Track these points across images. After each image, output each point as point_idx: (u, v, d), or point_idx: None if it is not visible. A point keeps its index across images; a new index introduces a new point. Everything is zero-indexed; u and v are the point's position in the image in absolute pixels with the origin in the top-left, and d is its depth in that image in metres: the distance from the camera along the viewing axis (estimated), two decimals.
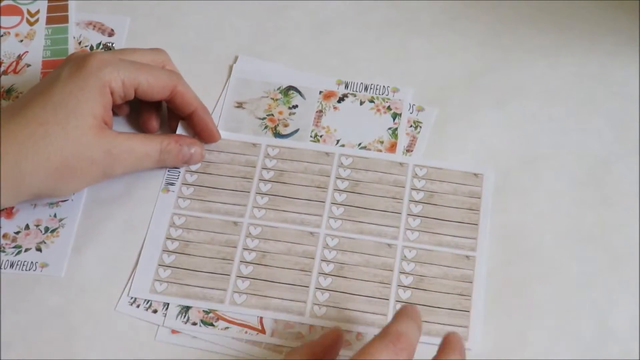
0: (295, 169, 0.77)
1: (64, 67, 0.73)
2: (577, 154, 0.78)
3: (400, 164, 0.77)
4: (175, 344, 0.71)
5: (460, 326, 0.71)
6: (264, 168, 0.78)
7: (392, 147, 0.79)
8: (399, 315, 0.64)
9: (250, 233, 0.75)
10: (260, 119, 0.80)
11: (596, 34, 0.83)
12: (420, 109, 0.80)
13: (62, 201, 0.77)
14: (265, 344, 0.70)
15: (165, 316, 0.72)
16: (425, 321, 0.70)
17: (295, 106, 0.81)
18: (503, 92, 0.81)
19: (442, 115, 0.80)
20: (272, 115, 0.80)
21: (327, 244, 0.74)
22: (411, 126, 0.80)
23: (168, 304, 0.72)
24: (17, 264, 0.74)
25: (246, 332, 0.71)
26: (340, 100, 0.81)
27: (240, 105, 0.81)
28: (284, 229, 0.75)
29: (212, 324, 0.71)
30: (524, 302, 0.71)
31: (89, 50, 0.82)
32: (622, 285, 0.72)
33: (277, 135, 0.79)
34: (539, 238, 0.74)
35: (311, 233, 0.75)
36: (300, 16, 0.86)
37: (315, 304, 0.72)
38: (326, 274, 0.73)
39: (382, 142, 0.79)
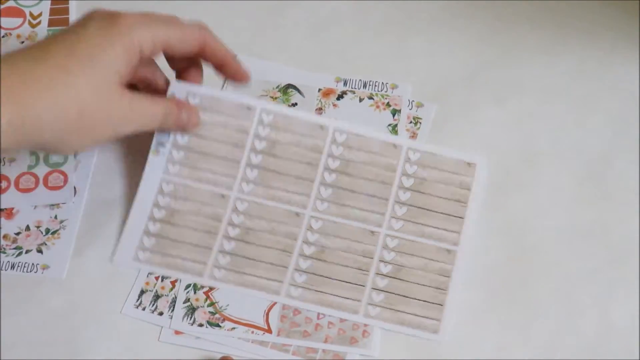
0: (288, 141, 0.76)
1: (91, 21, 0.70)
2: (577, 150, 0.78)
3: (394, 145, 0.77)
4: (179, 344, 0.71)
5: (432, 318, 0.71)
6: (257, 137, 0.76)
7: None
8: None
9: (236, 208, 0.74)
10: None
11: (595, 31, 0.83)
12: (420, 105, 0.80)
13: (63, 203, 0.77)
14: (272, 344, 0.71)
15: (171, 318, 0.72)
16: (399, 310, 0.71)
17: (295, 104, 0.81)
18: (502, 90, 0.81)
19: (442, 113, 0.80)
20: None
21: (310, 226, 0.74)
22: (411, 122, 0.80)
23: (174, 306, 0.72)
24: (17, 266, 0.74)
25: (252, 332, 0.71)
26: (340, 97, 0.81)
27: None
28: (269, 207, 0.74)
29: (218, 325, 0.71)
30: (525, 298, 0.72)
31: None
32: (623, 281, 0.72)
33: None
34: (539, 234, 0.74)
35: (297, 214, 0.74)
36: (299, 15, 0.86)
37: (292, 285, 0.72)
38: (306, 256, 0.73)
39: None
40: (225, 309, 0.72)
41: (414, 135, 0.79)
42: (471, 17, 0.85)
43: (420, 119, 0.80)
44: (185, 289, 0.73)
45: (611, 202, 0.76)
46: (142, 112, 0.72)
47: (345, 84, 0.82)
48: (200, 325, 0.71)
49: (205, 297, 0.73)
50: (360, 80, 0.82)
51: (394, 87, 0.81)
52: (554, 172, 0.77)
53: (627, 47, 0.82)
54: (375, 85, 0.81)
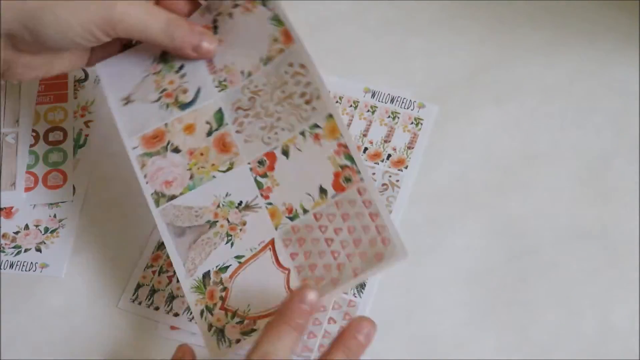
0: None
1: None
2: (576, 150, 0.78)
3: None
4: (174, 340, 0.71)
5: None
6: None
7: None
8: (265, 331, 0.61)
9: None
10: (155, 101, 0.72)
11: (594, 31, 0.83)
12: (421, 106, 0.80)
13: (62, 202, 0.77)
14: None
15: (167, 313, 0.71)
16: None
17: (181, 67, 0.73)
18: (502, 90, 0.81)
19: (442, 113, 0.80)
20: (166, 89, 0.72)
21: None
22: (412, 123, 0.80)
23: (170, 301, 0.72)
24: (16, 265, 0.74)
25: None
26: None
27: (127, 100, 0.72)
28: None
29: None
30: (525, 298, 0.71)
31: None
32: (623, 281, 0.72)
33: (183, 105, 0.72)
34: (539, 235, 0.74)
35: None
36: (298, 15, 0.86)
37: None
38: None
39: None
40: None
41: (415, 137, 0.79)
42: (471, 18, 0.85)
43: (422, 119, 0.80)
44: None
45: (611, 202, 0.75)
46: (143, 9, 0.67)
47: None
48: None
49: None
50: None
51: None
52: (554, 172, 0.77)
53: (627, 48, 0.82)
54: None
